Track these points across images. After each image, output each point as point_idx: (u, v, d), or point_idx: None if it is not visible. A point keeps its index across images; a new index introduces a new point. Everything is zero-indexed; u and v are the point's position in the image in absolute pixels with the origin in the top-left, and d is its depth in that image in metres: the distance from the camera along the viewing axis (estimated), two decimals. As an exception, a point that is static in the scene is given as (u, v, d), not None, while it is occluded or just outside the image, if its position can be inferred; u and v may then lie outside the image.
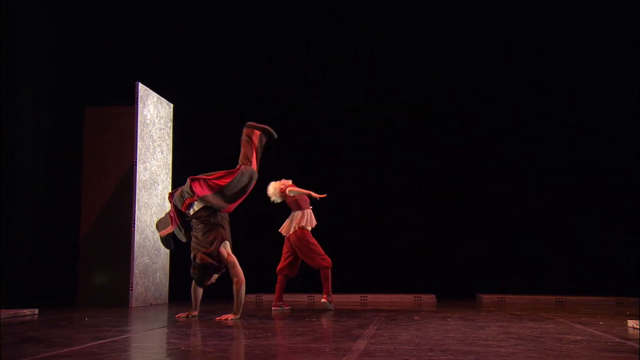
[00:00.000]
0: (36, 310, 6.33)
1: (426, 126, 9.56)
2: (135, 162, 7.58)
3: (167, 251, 8.31)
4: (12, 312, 6.06)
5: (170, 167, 8.53)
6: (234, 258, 5.78)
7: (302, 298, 8.37)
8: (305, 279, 8.07)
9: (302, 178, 8.94)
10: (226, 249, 5.81)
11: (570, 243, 9.15)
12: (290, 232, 7.02)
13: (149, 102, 7.94)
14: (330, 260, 6.89)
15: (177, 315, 5.95)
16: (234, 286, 5.72)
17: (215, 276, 5.69)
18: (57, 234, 9.05)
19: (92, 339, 4.10)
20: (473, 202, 9.38)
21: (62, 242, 8.90)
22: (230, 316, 5.63)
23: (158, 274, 8.08)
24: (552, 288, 8.84)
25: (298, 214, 7.04)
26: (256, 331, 4.50)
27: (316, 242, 7.00)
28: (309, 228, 7.06)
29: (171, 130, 8.60)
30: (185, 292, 8.52)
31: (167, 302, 8.17)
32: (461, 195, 9.42)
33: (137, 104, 7.66)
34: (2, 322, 5.52)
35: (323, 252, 6.92)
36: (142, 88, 7.76)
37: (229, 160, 9.52)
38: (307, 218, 7.07)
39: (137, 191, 7.59)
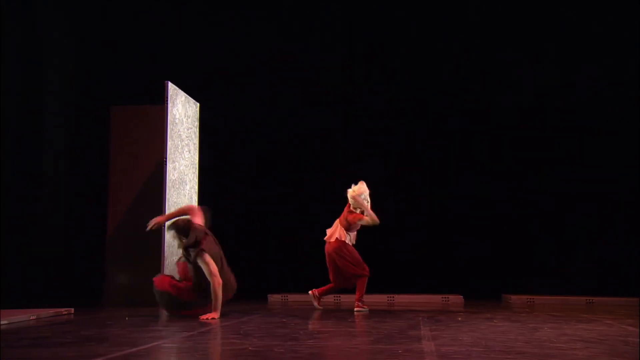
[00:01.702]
0: (72, 310, 6.33)
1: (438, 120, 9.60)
2: (165, 161, 7.56)
3: (194, 251, 8.31)
4: (51, 310, 6.06)
5: (197, 166, 8.53)
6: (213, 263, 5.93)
7: (329, 299, 8.34)
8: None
9: (328, 176, 9.02)
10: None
11: (593, 243, 9.13)
12: (331, 240, 6.94)
13: (178, 101, 7.93)
14: (368, 268, 6.85)
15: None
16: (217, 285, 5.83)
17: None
18: (83, 234, 9.04)
19: (152, 339, 4.09)
20: (493, 202, 9.37)
21: (87, 242, 8.89)
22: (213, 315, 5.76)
23: (185, 274, 8.06)
24: (575, 288, 8.84)
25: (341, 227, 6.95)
26: (310, 332, 4.49)
27: (353, 254, 6.89)
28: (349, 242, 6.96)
29: (197, 129, 8.60)
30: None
31: (193, 302, 8.14)
32: (479, 194, 9.41)
33: (167, 103, 7.63)
34: (43, 320, 5.52)
35: (361, 262, 6.86)
36: (171, 87, 7.75)
37: (252, 159, 9.61)
38: (350, 236, 6.98)
39: (167, 190, 7.57)
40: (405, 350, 3.47)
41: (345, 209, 7.03)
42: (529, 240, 9.28)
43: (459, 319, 5.55)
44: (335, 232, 6.98)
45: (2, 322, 5.18)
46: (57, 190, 9.09)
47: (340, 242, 6.90)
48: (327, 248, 6.96)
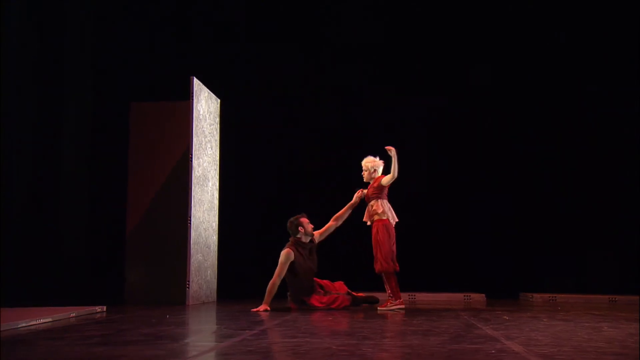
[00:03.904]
0: (104, 307, 6.24)
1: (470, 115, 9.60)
2: (191, 157, 7.47)
3: (216, 249, 8.25)
4: (88, 308, 5.97)
5: (218, 163, 8.44)
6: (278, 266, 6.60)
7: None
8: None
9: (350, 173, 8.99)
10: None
11: (609, 241, 9.17)
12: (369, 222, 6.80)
13: (202, 97, 7.85)
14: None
15: (252, 309, 6.24)
16: None
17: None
18: (102, 231, 8.89)
19: (219, 337, 4.03)
20: (509, 200, 9.40)
21: (107, 240, 8.76)
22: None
23: (209, 272, 7.99)
24: (591, 287, 8.89)
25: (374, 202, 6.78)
26: (375, 331, 4.46)
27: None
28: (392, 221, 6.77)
29: (219, 125, 8.51)
30: (232, 291, 8.50)
31: (215, 300, 8.07)
32: (493, 192, 9.44)
33: (192, 99, 7.55)
34: (83, 318, 5.43)
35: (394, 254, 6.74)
36: (196, 83, 7.66)
37: (272, 155, 9.52)
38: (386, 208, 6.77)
39: (192, 187, 7.47)
40: (497, 351, 3.44)
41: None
42: (543, 238, 9.32)
43: (506, 317, 5.55)
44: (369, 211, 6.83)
45: (46, 320, 5.10)
46: (77, 189, 8.93)
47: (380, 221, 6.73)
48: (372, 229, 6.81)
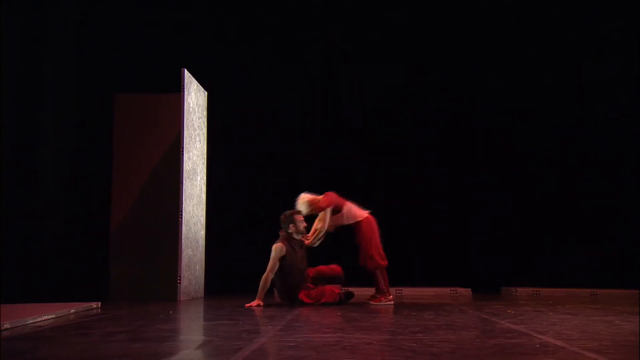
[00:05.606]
0: (99, 304, 6.10)
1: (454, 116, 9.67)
2: (182, 151, 7.35)
3: (204, 244, 8.14)
4: (84, 304, 5.82)
5: (205, 156, 8.32)
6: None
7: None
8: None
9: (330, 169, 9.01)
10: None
11: (587, 237, 9.35)
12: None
13: (191, 89, 7.72)
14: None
15: (246, 305, 6.23)
16: None
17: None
18: (84, 227, 8.64)
19: (249, 333, 3.97)
20: (493, 198, 9.51)
21: (89, 236, 8.52)
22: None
23: (197, 267, 7.88)
24: (564, 280, 9.08)
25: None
26: (395, 326, 4.45)
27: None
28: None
29: (206, 119, 8.39)
30: (218, 286, 8.40)
31: (203, 296, 7.96)
32: (479, 191, 9.55)
33: (184, 92, 7.42)
34: (82, 314, 5.30)
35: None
36: (187, 75, 7.52)
37: (259, 148, 9.41)
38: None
39: (183, 181, 7.34)
40: (540, 344, 3.47)
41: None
42: (523, 234, 9.45)
43: (511, 312, 5.61)
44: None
45: (49, 316, 4.96)
46: (58, 182, 8.64)
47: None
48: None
